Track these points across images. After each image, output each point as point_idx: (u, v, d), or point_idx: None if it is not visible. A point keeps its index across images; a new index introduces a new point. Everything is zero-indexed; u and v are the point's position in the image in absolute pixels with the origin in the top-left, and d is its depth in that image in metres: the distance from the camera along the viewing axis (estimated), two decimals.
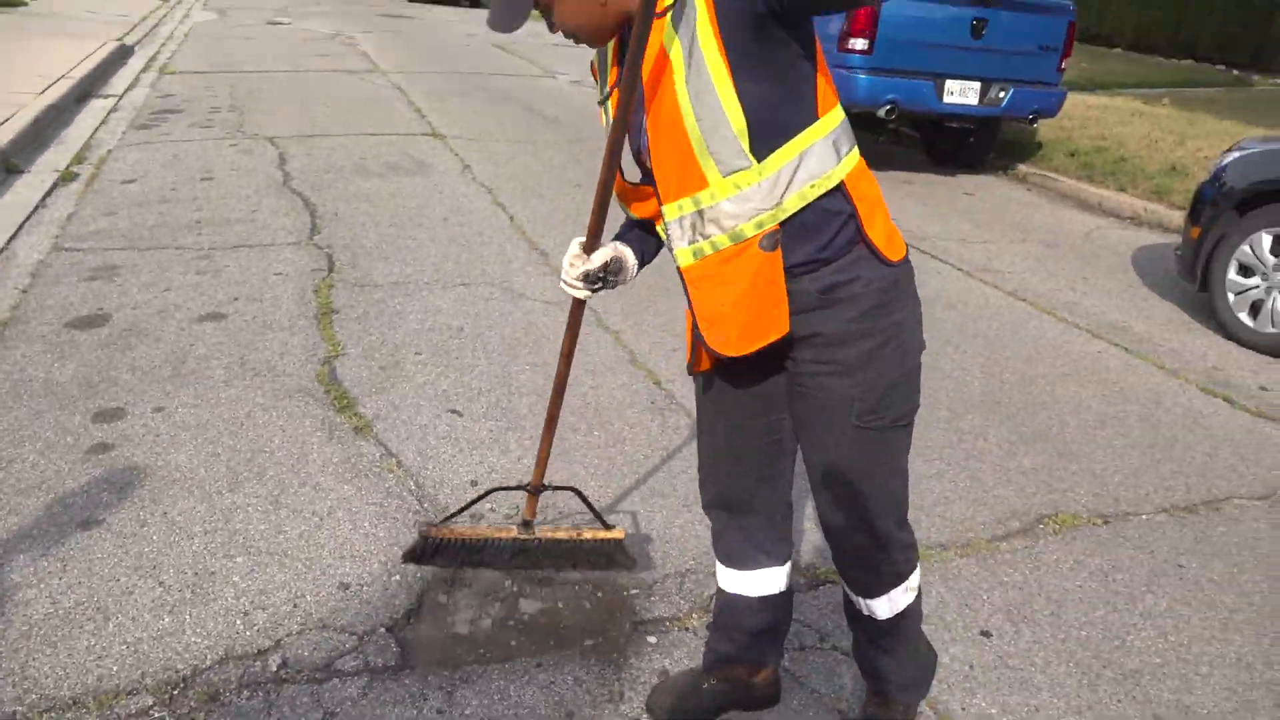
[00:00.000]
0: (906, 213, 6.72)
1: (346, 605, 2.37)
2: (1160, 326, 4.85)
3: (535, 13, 1.58)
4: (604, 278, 1.76)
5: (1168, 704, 2.25)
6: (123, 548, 2.53)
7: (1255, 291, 4.62)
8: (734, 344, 1.59)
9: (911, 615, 1.87)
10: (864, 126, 9.27)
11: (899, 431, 1.69)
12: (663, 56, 1.47)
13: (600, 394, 3.57)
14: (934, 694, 2.20)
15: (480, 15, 22.34)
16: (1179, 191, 7.09)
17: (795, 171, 1.50)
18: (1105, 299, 5.20)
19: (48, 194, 5.65)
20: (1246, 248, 4.64)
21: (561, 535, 2.47)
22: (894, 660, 1.92)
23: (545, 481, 2.35)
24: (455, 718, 2.06)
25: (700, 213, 1.53)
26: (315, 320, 4.06)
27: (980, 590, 2.60)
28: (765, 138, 1.48)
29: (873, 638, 1.91)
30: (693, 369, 1.81)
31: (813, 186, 1.52)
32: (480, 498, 2.52)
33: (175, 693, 2.07)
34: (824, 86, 1.53)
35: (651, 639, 2.33)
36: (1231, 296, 4.70)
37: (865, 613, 1.86)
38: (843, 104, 1.59)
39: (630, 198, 1.71)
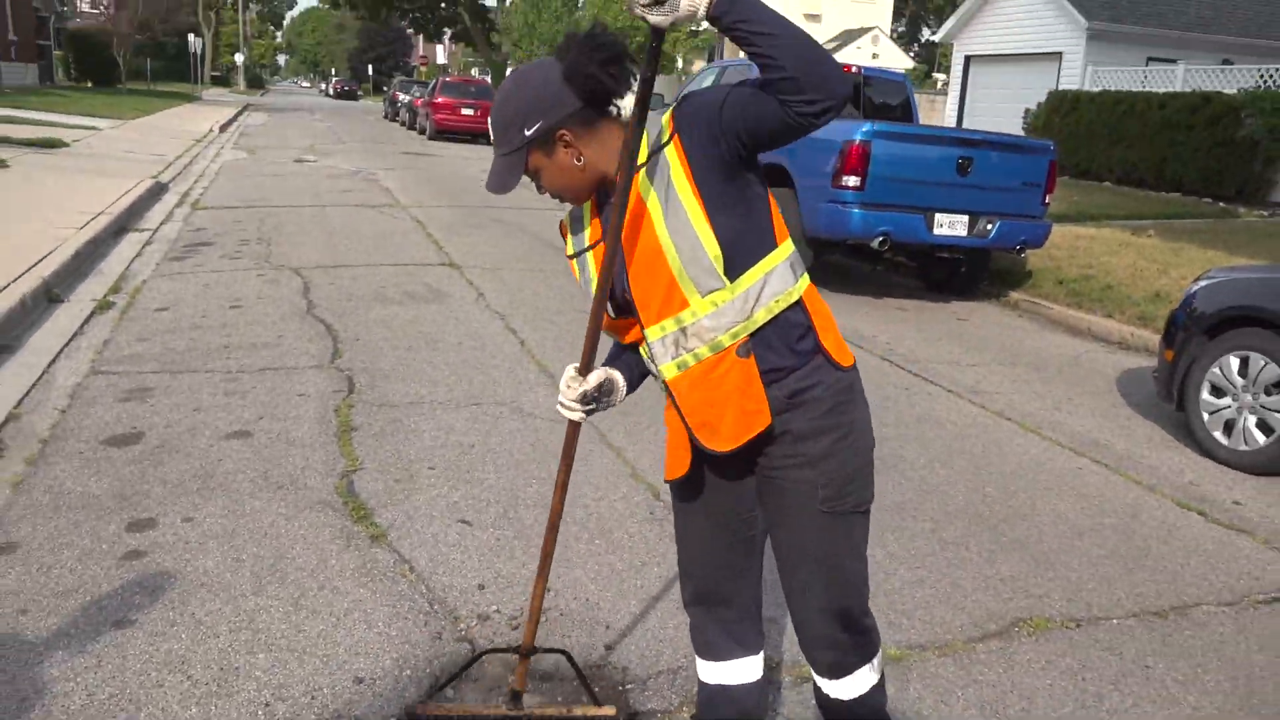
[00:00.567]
0: (902, 338, 7.03)
1: (361, 697, 2.54)
2: (1141, 444, 5.06)
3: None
4: (598, 398, 2.00)
5: None
6: (153, 645, 2.72)
7: (1228, 411, 4.85)
8: (724, 440, 1.83)
9: (876, 697, 2.04)
10: (863, 257, 9.70)
11: (858, 517, 1.92)
12: (640, 205, 1.77)
13: (603, 505, 3.79)
14: None
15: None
16: (1162, 318, 7.35)
17: (762, 289, 1.78)
18: (1089, 419, 5.43)
19: (86, 321, 6.01)
20: (1217, 370, 4.89)
21: (551, 713, 2.44)
22: None
23: (535, 644, 2.34)
24: None
25: (683, 330, 1.80)
26: (335, 437, 4.32)
27: (955, 688, 2.76)
28: (736, 262, 1.76)
29: None
30: (670, 475, 2.01)
31: (777, 301, 1.80)
32: (470, 663, 2.63)
33: None
34: (777, 220, 1.84)
35: None
36: (1206, 416, 4.93)
37: (833, 696, 2.03)
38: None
39: (610, 328, 1.98)
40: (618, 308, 1.92)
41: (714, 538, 2.05)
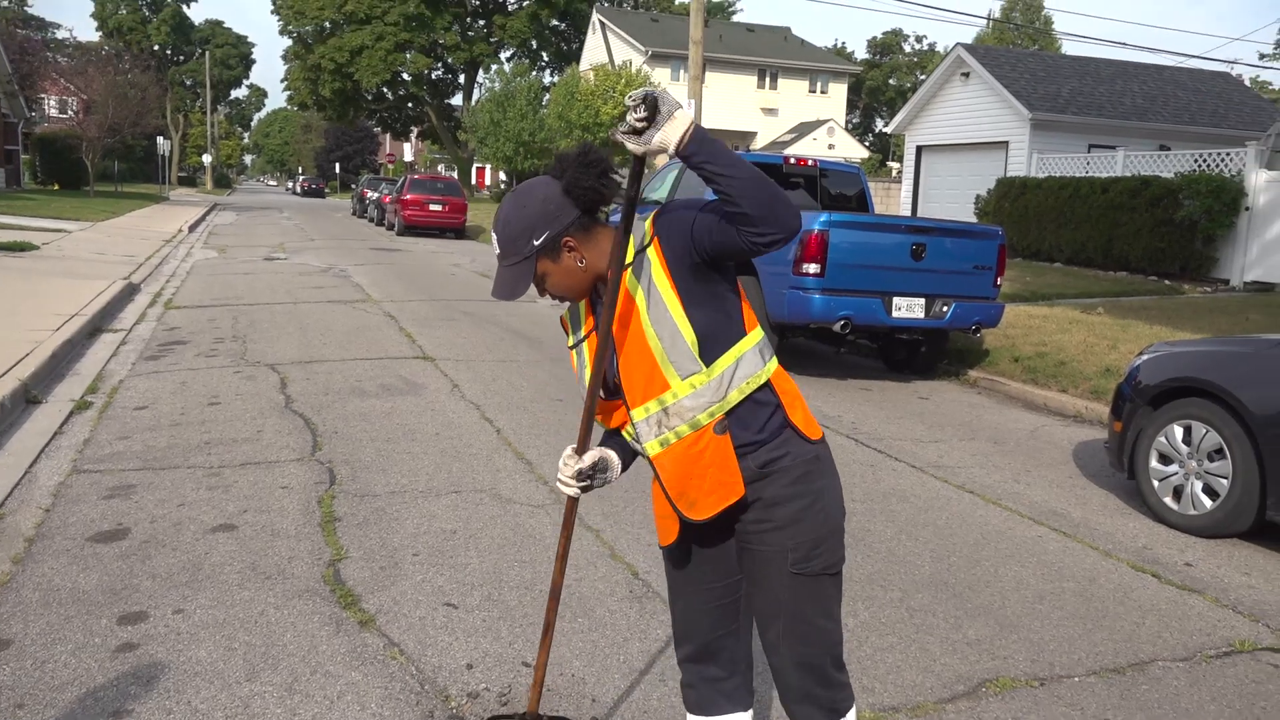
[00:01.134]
0: (866, 417, 7.26)
1: None
2: (1096, 512, 5.28)
3: None
4: (593, 475, 2.18)
5: None
6: None
7: (1175, 478, 5.09)
8: (701, 510, 2.03)
9: None
10: (826, 340, 10.00)
11: (828, 580, 2.10)
12: (628, 299, 2.00)
13: (584, 585, 3.92)
14: None
15: (463, 246, 23.78)
16: (1113, 392, 7.68)
17: (734, 372, 2.00)
18: (1047, 489, 5.65)
19: (65, 421, 6.09)
20: (1163, 439, 5.15)
21: None
22: None
23: (540, 711, 2.51)
24: None
25: (665, 410, 2.01)
26: (320, 528, 4.42)
27: None
28: (711, 348, 1.99)
29: None
30: (663, 542, 2.20)
31: (749, 382, 2.02)
32: None
33: None
34: (746, 311, 2.07)
35: None
36: (1156, 483, 5.17)
37: None
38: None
39: (602, 411, 2.17)
40: (609, 391, 2.12)
41: (704, 599, 2.22)
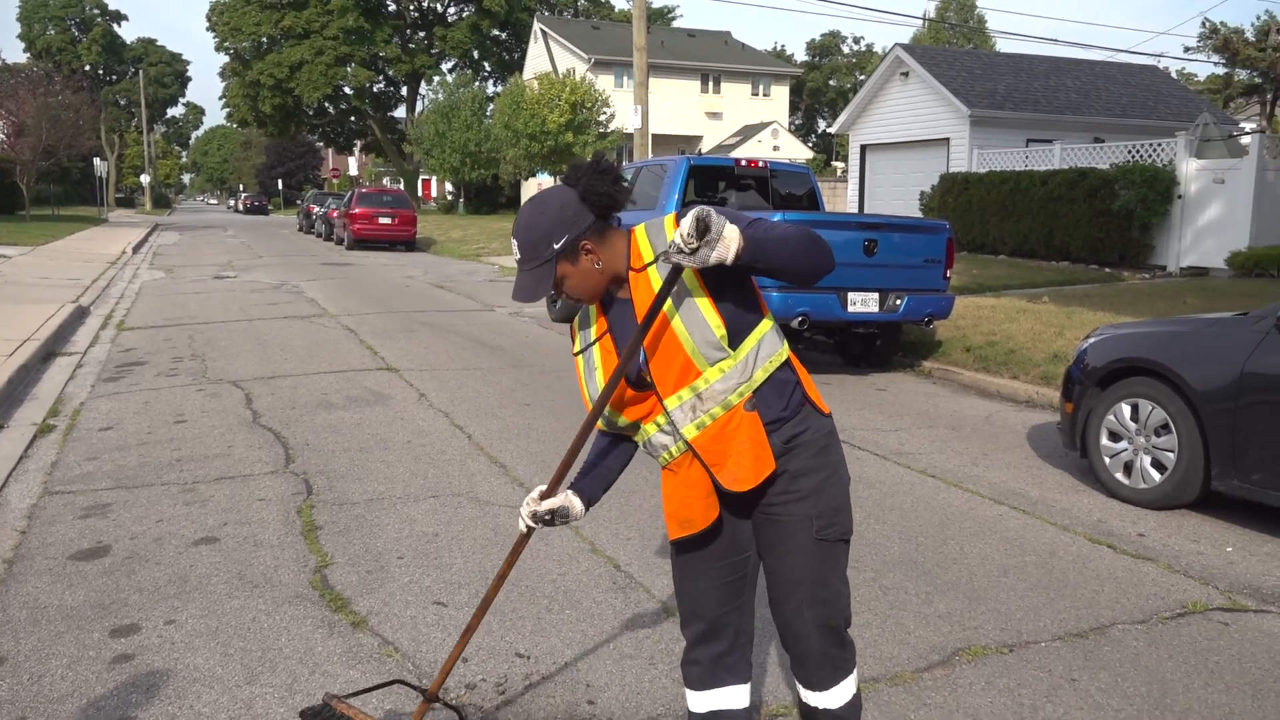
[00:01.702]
0: None
1: None
2: (1052, 490, 5.51)
3: None
4: (551, 520, 2.33)
5: None
6: None
7: (1126, 454, 5.33)
8: (744, 481, 2.16)
9: (857, 703, 2.36)
10: (785, 336, 10.20)
11: (842, 545, 2.29)
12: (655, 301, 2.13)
13: (568, 579, 4.02)
14: None
15: (415, 258, 23.70)
16: (1062, 376, 7.96)
17: (758, 352, 2.17)
18: (1004, 471, 5.87)
19: (29, 445, 6.05)
20: (1112, 417, 5.39)
21: None
22: None
23: (440, 693, 2.65)
24: None
25: (698, 395, 2.16)
26: (302, 536, 4.48)
27: (908, 712, 3.05)
28: (736, 334, 2.15)
29: None
30: (691, 530, 2.24)
31: (771, 361, 2.19)
32: (384, 684, 2.87)
33: None
34: (759, 297, 2.24)
35: None
36: (1107, 460, 5.40)
37: (822, 707, 2.32)
38: None
39: (629, 404, 2.26)
40: (636, 385, 2.24)
41: (714, 578, 2.35)
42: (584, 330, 2.33)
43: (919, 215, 20.40)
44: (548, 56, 43.42)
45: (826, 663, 2.29)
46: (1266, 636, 3.68)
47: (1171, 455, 5.06)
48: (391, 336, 10.56)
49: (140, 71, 74.91)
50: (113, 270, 18.11)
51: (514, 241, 2.19)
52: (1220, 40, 29.19)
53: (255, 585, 3.94)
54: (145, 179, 70.06)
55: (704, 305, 2.12)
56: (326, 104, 51.70)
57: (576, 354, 2.34)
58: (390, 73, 51.76)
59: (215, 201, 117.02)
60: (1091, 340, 5.80)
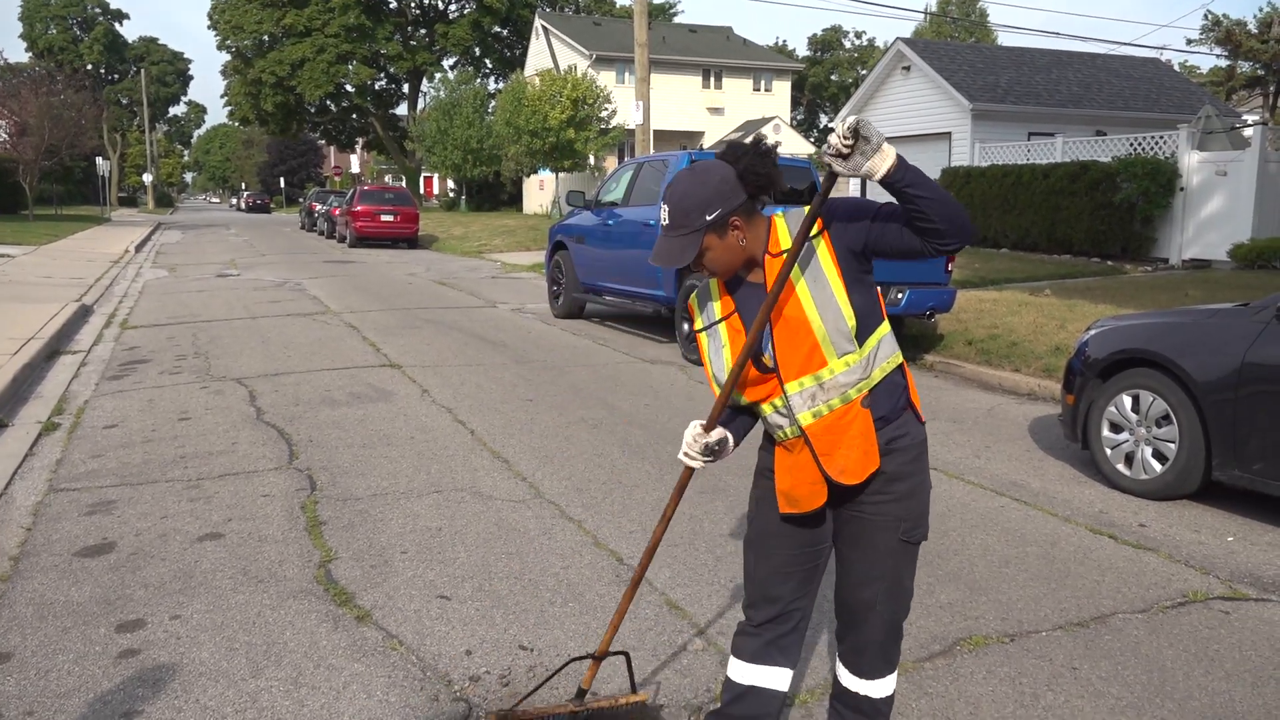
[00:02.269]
0: None
1: None
2: (1053, 481, 5.52)
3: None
4: (717, 451, 2.35)
5: None
6: None
7: (1127, 445, 5.34)
8: (851, 475, 2.21)
9: (893, 699, 2.46)
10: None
11: (917, 549, 2.36)
12: (788, 285, 2.17)
13: (571, 572, 4.04)
14: None
15: (417, 256, 23.72)
16: (1063, 368, 7.97)
17: (878, 352, 2.23)
18: (1006, 463, 5.89)
19: (34, 443, 6.07)
20: (1113, 409, 5.39)
21: (604, 704, 2.88)
22: None
23: (611, 648, 2.79)
24: None
25: (821, 385, 2.20)
26: (306, 532, 4.50)
27: (910, 701, 3.06)
28: (863, 330, 2.20)
29: (869, 716, 2.44)
30: (799, 509, 2.30)
31: (888, 362, 2.25)
32: (557, 671, 2.94)
33: None
34: (881, 301, 2.28)
35: None
36: (1108, 451, 5.42)
37: (864, 694, 2.40)
38: None
39: (750, 384, 2.30)
40: (759, 367, 2.28)
41: (798, 563, 2.40)
42: (706, 308, 2.37)
43: None
44: (549, 53, 43.38)
45: (883, 656, 2.38)
46: (1267, 625, 3.69)
47: (1172, 446, 5.07)
48: (394, 333, 10.58)
49: (142, 70, 74.95)
50: (116, 269, 18.15)
51: (663, 207, 2.22)
52: (1223, 32, 29.16)
53: (260, 580, 3.96)
54: (148, 178, 70.18)
55: (837, 287, 2.16)
56: (328, 102, 51.67)
57: (699, 331, 2.39)
58: (392, 70, 51.72)
59: (218, 200, 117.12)
60: (1093, 332, 5.80)
